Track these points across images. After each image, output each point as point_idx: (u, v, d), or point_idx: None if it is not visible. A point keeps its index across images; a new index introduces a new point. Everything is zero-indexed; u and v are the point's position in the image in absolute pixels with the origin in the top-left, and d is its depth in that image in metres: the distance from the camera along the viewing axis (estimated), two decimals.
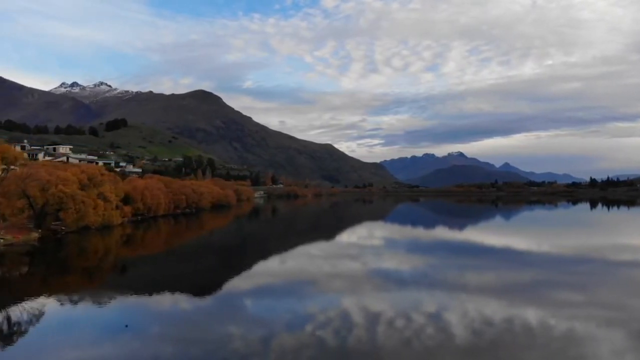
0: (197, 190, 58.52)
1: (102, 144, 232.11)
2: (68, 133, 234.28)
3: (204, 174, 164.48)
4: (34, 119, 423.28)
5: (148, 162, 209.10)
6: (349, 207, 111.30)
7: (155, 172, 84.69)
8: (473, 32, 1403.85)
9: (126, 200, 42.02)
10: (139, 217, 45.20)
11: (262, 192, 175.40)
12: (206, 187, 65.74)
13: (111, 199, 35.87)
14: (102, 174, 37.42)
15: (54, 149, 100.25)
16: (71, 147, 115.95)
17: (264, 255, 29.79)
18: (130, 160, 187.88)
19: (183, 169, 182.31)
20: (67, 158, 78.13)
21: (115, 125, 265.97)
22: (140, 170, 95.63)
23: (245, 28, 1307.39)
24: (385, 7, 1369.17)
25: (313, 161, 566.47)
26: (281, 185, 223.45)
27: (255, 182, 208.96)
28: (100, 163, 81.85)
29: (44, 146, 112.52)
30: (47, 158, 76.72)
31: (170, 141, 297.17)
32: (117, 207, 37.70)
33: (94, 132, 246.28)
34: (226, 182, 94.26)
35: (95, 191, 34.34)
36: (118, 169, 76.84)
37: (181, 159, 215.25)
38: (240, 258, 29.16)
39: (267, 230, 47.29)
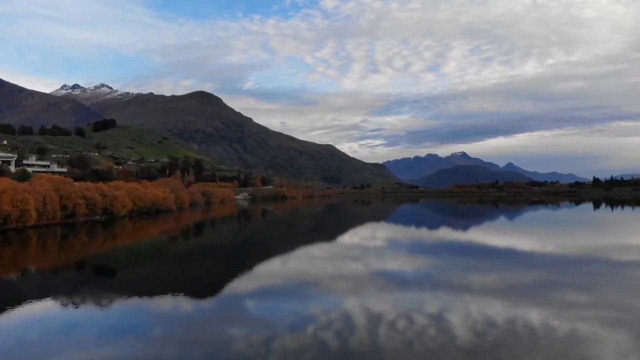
0: (109, 192, 51.14)
1: (88, 145, 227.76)
2: (53, 134, 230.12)
3: (183, 175, 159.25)
4: (34, 122, 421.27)
5: (133, 163, 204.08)
6: (346, 209, 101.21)
7: (95, 174, 77.84)
8: (474, 31, 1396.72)
9: None
10: None
11: (246, 194, 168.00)
12: (130, 189, 57.77)
13: None
14: None
15: None
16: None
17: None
18: (115, 160, 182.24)
19: (167, 170, 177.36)
20: None
21: (104, 125, 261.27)
22: (65, 170, 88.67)
23: (245, 29, 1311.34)
24: (385, 7, 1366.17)
25: (314, 162, 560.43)
26: (270, 187, 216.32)
27: (245, 183, 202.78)
28: None
29: None
30: None
31: (160, 142, 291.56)
32: None
33: (80, 133, 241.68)
34: (178, 183, 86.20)
35: None
36: (18, 167, 69.88)
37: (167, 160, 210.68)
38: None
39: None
